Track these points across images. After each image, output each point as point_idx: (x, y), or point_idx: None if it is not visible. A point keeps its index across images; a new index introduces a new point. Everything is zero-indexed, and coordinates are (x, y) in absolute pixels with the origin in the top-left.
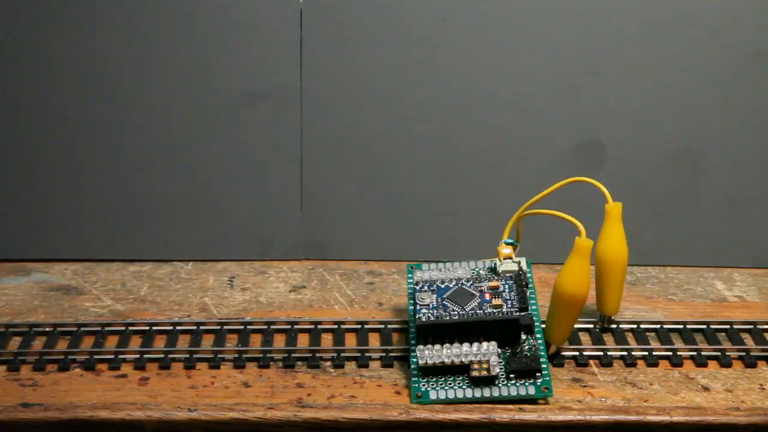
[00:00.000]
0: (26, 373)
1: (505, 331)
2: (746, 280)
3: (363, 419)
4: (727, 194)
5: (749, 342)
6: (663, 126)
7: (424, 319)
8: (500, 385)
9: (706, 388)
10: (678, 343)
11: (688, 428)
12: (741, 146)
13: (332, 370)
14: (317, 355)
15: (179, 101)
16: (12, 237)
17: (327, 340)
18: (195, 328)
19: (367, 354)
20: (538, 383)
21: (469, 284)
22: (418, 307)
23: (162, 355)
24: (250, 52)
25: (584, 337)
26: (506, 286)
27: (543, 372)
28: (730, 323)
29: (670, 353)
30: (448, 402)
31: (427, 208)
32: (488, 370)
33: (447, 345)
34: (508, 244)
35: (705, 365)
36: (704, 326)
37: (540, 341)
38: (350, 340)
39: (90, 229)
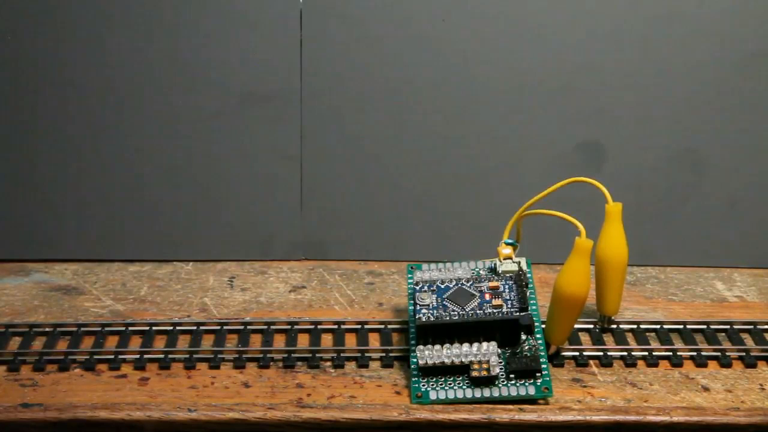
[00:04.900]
0: (26, 373)
1: (505, 331)
2: (746, 280)
3: (363, 419)
4: (727, 194)
5: (749, 342)
6: (663, 126)
7: (424, 319)
8: (500, 385)
9: (706, 389)
10: (678, 344)
11: (688, 428)
12: (741, 146)
13: (332, 370)
14: (317, 355)
15: (179, 101)
16: (12, 237)
17: (327, 340)
18: (195, 328)
19: (367, 354)
20: (538, 383)
21: (469, 284)
22: (418, 307)
23: (162, 356)
24: (250, 53)
25: (584, 337)
26: (506, 287)
27: (543, 372)
28: (730, 323)
29: (670, 353)
30: (448, 402)
31: (427, 208)
32: (488, 370)
33: (447, 345)
34: (508, 244)
35: (705, 365)
36: (704, 326)
37: (540, 341)
38: (350, 340)
39: (90, 229)
